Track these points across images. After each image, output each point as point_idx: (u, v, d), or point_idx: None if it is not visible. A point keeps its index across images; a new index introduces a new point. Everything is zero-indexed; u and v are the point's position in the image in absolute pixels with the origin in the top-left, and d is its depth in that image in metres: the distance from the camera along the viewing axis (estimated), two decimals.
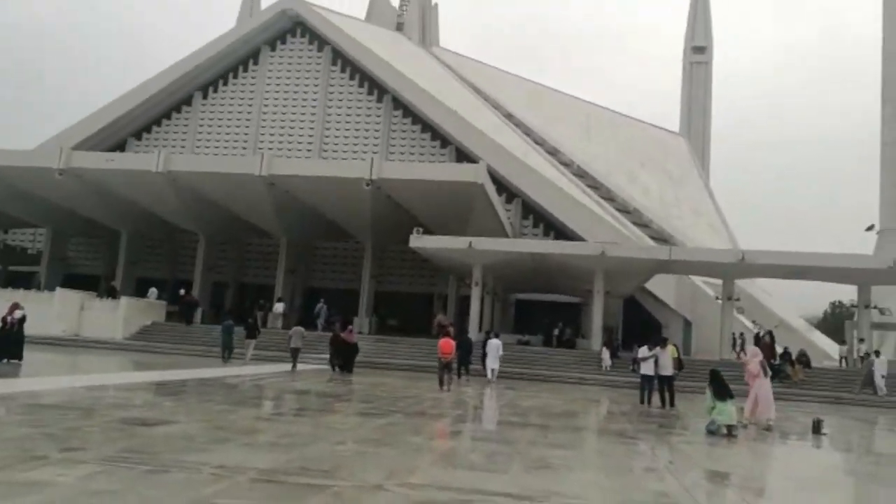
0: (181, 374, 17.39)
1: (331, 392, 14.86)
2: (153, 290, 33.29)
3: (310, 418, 10.10)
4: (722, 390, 11.27)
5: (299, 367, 21.53)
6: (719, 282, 43.11)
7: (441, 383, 17.34)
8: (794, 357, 27.50)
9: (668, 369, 16.04)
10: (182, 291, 33.78)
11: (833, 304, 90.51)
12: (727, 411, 11.05)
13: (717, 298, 32.57)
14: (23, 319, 17.55)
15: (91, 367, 18.90)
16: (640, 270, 30.94)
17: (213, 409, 10.51)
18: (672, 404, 15.89)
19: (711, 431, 11.11)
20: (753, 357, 13.19)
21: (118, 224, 39.28)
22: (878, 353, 26.42)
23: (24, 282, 41.87)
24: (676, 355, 16.74)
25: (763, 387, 12.49)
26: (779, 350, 27.86)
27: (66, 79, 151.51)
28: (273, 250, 38.71)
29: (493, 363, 21.42)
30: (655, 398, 16.20)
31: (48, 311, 29.15)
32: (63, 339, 27.15)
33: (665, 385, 16.08)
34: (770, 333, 29.46)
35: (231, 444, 7.43)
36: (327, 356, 22.31)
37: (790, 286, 46.24)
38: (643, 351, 16.61)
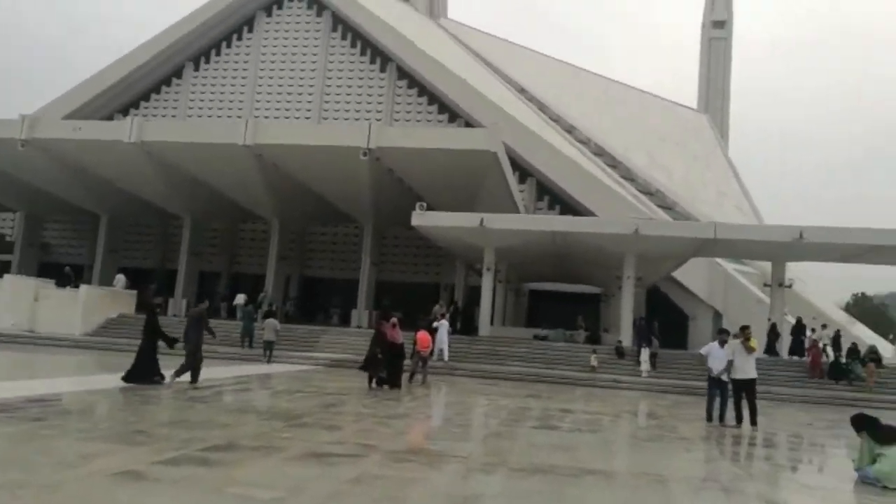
0: (111, 380, 13.51)
1: (288, 410, 10.73)
2: (120, 278, 29.55)
3: (214, 470, 5.95)
4: (887, 433, 7.22)
5: (277, 366, 18.73)
6: (752, 269, 39.35)
7: (411, 377, 16.51)
8: (863, 354, 23.44)
9: (750, 370, 11.82)
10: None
11: (855, 296, 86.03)
12: None
13: (765, 285, 28.39)
14: None
15: None
16: (677, 252, 26.88)
17: (66, 451, 6.47)
18: (754, 422, 11.79)
19: (868, 481, 7.08)
20: None
21: (95, 206, 35.74)
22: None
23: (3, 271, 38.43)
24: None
25: None
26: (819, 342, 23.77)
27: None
28: (266, 236, 35.03)
29: (442, 345, 21.77)
30: (728, 412, 12.09)
31: None
32: (8, 335, 23.11)
33: (744, 393, 11.88)
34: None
35: None
36: (314, 354, 18.69)
37: (808, 275, 41.32)
38: (712, 348, 12.42)
